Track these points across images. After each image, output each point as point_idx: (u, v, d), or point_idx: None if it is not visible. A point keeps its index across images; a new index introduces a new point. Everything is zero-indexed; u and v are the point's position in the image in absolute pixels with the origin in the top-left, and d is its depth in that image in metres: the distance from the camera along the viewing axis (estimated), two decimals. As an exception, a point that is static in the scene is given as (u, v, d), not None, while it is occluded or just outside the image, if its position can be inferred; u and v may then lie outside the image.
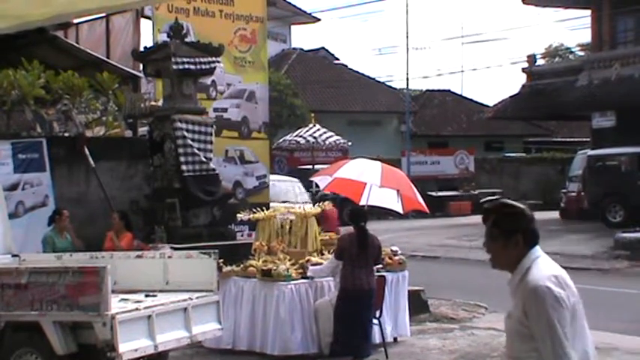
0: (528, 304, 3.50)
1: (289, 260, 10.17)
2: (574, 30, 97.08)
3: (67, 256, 9.50)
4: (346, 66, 43.87)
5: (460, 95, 46.89)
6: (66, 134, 14.66)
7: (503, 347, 10.48)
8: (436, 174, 35.23)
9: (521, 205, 3.70)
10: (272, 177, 18.91)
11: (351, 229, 9.70)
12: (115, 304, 7.61)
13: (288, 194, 19.92)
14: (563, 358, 3.43)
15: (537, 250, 3.65)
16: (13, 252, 9.76)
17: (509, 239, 3.61)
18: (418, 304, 12.24)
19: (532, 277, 3.53)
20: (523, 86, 31.33)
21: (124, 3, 4.37)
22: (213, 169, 13.28)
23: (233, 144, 18.14)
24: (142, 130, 16.55)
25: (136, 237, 11.62)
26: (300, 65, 39.33)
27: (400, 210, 11.30)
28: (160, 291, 8.61)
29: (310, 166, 24.99)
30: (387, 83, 43.59)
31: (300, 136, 23.81)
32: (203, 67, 13.22)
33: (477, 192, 35.16)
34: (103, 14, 20.99)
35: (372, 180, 10.84)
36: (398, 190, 10.94)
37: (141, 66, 14.99)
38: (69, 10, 3.90)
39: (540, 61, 37.20)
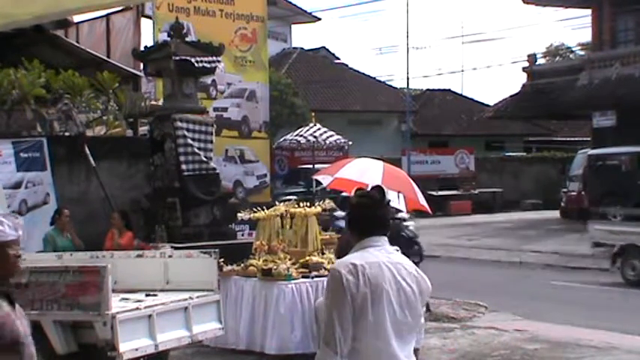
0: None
1: (290, 260, 10.17)
2: (575, 29, 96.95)
3: (68, 255, 9.48)
4: (347, 65, 43.84)
5: (460, 95, 46.86)
6: (66, 134, 14.67)
7: (503, 347, 10.51)
8: (437, 173, 35.23)
9: (369, 197, 3.80)
10: None
11: None
12: (116, 304, 7.61)
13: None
14: (330, 340, 3.56)
15: (374, 240, 3.75)
16: (14, 251, 9.74)
17: (351, 225, 3.83)
18: (418, 304, 12.21)
19: (337, 261, 3.76)
20: (523, 86, 31.34)
21: (109, 2, 4.34)
22: (214, 169, 13.28)
23: (233, 143, 18.15)
24: (143, 129, 16.57)
25: (136, 236, 11.63)
26: (301, 65, 39.30)
27: (403, 209, 11.29)
28: (161, 290, 8.60)
29: (311, 166, 24.96)
30: (388, 83, 43.56)
31: (301, 136, 23.75)
32: (205, 64, 13.22)
33: (477, 191, 35.18)
34: (103, 14, 21.02)
35: (373, 181, 10.81)
36: (399, 192, 10.92)
37: (141, 65, 15.00)
38: (55, 9, 3.92)
39: (541, 61, 37.24)
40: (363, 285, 3.59)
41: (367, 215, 3.78)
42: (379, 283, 3.62)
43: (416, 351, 3.90)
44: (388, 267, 3.69)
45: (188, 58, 12.80)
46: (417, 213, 13.07)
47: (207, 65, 13.25)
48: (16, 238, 3.89)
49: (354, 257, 3.70)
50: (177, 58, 12.72)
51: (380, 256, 3.71)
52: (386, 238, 3.80)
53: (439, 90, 45.86)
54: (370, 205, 3.79)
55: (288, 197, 19.81)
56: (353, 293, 3.57)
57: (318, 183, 16.59)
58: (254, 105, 18.65)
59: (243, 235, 14.78)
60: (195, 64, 12.91)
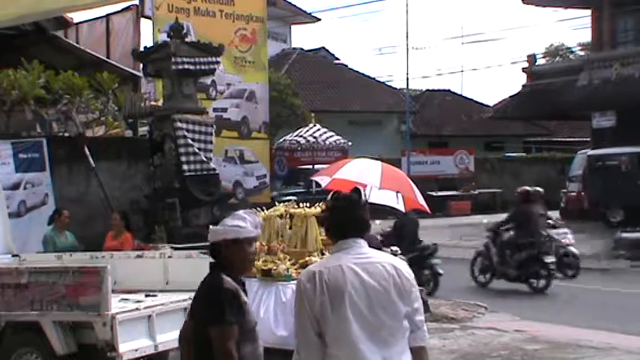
0: None
1: (289, 260, 10.16)
2: (575, 29, 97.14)
3: (67, 255, 9.49)
4: (346, 66, 43.84)
5: (460, 95, 46.86)
6: (66, 134, 14.68)
7: (503, 347, 10.51)
8: (436, 174, 35.21)
9: (343, 200, 3.82)
10: None
11: None
12: (115, 304, 7.60)
13: None
14: (299, 348, 3.66)
15: (345, 243, 3.76)
16: (13, 252, 9.75)
17: (326, 229, 3.93)
18: (418, 304, 12.19)
19: (303, 270, 3.92)
20: (523, 86, 31.35)
21: (90, 2, 4.31)
22: (214, 169, 13.29)
23: (233, 144, 18.17)
24: (143, 129, 16.57)
25: (135, 237, 11.62)
26: (301, 65, 39.31)
27: (402, 208, 11.28)
28: (160, 291, 8.60)
29: (310, 166, 24.98)
30: (387, 83, 43.60)
31: (301, 136, 23.81)
32: (203, 67, 13.23)
33: (477, 192, 35.16)
34: (103, 14, 21.02)
35: (371, 181, 10.82)
36: (398, 192, 10.91)
37: (141, 66, 15.02)
38: (35, 10, 3.91)
39: (541, 61, 37.27)
40: (320, 291, 3.60)
41: (339, 218, 3.80)
42: (339, 286, 3.61)
43: (421, 349, 3.82)
44: (352, 269, 3.65)
45: (187, 67, 12.81)
46: (417, 213, 13.03)
47: (206, 67, 13.27)
48: (256, 235, 4.18)
49: (318, 264, 3.80)
50: (177, 68, 12.72)
51: (344, 258, 3.70)
52: (360, 240, 3.79)
53: (439, 90, 45.87)
54: (343, 208, 3.80)
55: (288, 198, 19.83)
56: (310, 300, 3.60)
57: (318, 184, 16.60)
58: (254, 105, 18.66)
59: (242, 235, 14.77)
60: (193, 69, 12.93)
